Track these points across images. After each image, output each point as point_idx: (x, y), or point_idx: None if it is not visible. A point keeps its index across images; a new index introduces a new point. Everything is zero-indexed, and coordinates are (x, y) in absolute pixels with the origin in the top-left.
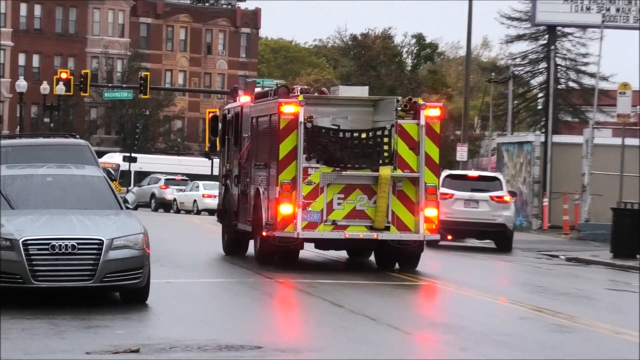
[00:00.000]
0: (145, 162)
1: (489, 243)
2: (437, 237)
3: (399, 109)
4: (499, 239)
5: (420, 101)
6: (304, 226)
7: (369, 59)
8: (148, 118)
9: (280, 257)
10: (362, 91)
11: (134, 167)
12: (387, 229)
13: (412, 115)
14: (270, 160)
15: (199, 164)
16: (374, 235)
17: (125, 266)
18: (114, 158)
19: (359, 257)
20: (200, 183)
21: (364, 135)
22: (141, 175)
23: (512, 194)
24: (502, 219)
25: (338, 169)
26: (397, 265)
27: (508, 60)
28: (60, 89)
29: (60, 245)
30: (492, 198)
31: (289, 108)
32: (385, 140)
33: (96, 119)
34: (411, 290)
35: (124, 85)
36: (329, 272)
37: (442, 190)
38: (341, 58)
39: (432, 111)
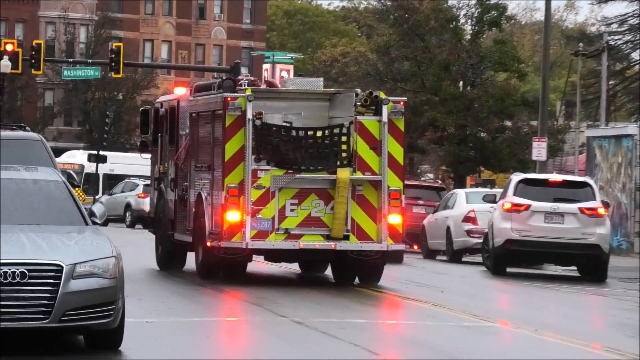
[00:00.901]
0: (118, 162)
1: (571, 270)
2: (401, 247)
3: (359, 103)
4: (589, 264)
5: (382, 95)
6: (253, 235)
7: (414, 25)
8: (121, 104)
9: (226, 270)
10: (316, 83)
11: (103, 168)
12: (346, 238)
13: (373, 110)
14: (214, 161)
15: None
16: (332, 245)
17: (92, 300)
18: (77, 157)
19: (313, 270)
20: None
21: (319, 134)
22: (112, 180)
23: (607, 205)
24: (595, 238)
25: (291, 171)
26: (356, 279)
27: (601, 26)
28: (4, 65)
29: (4, 273)
30: (581, 210)
31: (236, 104)
32: (344, 139)
33: (52, 105)
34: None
35: (90, 61)
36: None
37: (515, 200)
38: (377, 24)
39: (395, 106)
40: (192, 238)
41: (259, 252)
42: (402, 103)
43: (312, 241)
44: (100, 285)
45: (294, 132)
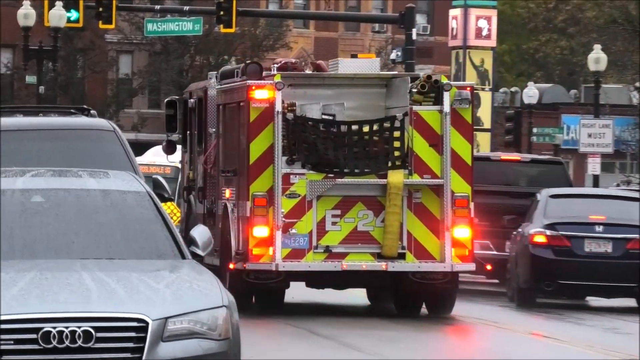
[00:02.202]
0: None
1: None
2: (470, 267)
3: (414, 90)
4: None
5: (444, 79)
6: (285, 255)
7: None
8: None
9: (258, 299)
10: (370, 65)
11: None
12: (402, 256)
13: (432, 99)
14: (240, 165)
15: None
16: (382, 265)
17: None
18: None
19: (382, 301)
20: None
21: (366, 129)
22: None
23: None
24: None
25: (331, 175)
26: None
27: None
28: (57, 16)
29: (59, 333)
30: None
31: (261, 93)
32: (396, 134)
33: (130, 77)
34: None
35: (187, 9)
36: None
37: None
38: None
39: (460, 92)
40: (219, 260)
41: (294, 275)
42: (468, 89)
43: (359, 261)
44: (205, 350)
45: (335, 128)
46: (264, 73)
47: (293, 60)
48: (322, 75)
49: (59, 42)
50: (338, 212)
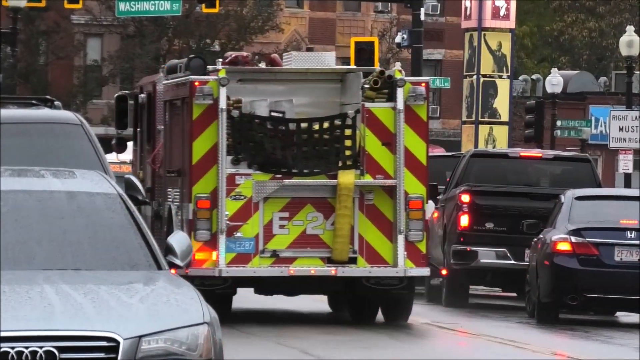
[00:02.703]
0: None
1: None
2: (424, 271)
3: (367, 86)
4: None
5: (398, 74)
6: (230, 260)
7: None
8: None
9: None
10: (325, 59)
11: None
12: (353, 261)
13: (385, 95)
14: (183, 165)
15: None
16: (332, 270)
17: None
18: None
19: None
20: None
21: (316, 127)
22: None
23: None
24: None
25: (279, 176)
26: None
27: None
28: None
29: (18, 354)
30: None
31: (205, 89)
32: (348, 132)
33: (100, 63)
34: None
35: None
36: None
37: None
38: None
39: (414, 88)
40: None
41: (240, 281)
42: (423, 84)
43: (307, 266)
44: None
45: (282, 126)
46: (211, 68)
47: (245, 54)
48: (273, 70)
49: (19, 23)
50: (286, 214)
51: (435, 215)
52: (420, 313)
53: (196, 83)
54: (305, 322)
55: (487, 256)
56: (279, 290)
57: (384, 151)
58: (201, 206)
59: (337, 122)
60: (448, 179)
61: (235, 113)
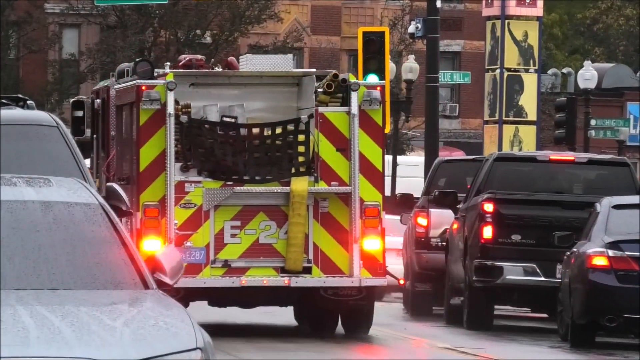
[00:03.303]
0: None
1: None
2: (381, 281)
3: (320, 90)
4: None
5: (352, 78)
6: None
7: None
8: (211, 54)
9: None
10: (281, 61)
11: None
12: (308, 271)
13: (339, 99)
14: (131, 172)
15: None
16: (285, 280)
17: None
18: None
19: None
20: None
21: (268, 132)
22: None
23: None
24: None
25: (230, 183)
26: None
27: None
28: None
29: None
30: None
31: (152, 94)
32: (301, 138)
33: (77, 57)
34: None
35: None
36: None
37: None
38: None
39: (369, 92)
40: None
41: (191, 292)
42: (378, 88)
43: (260, 276)
44: None
45: (233, 131)
46: (161, 72)
47: (199, 57)
48: (224, 74)
49: None
50: (238, 223)
51: (455, 226)
52: (439, 336)
53: (143, 87)
54: (264, 335)
55: (513, 272)
56: (232, 302)
57: (339, 157)
58: (149, 215)
59: (290, 127)
60: (469, 186)
61: (184, 118)
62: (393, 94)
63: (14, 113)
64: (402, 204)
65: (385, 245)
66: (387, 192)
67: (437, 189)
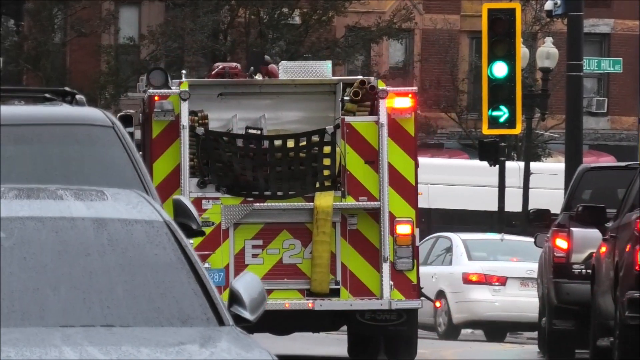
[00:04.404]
0: None
1: None
2: (415, 304)
3: (347, 98)
4: None
5: (381, 84)
6: None
7: None
8: (300, 34)
9: None
10: (317, 68)
11: None
12: (335, 293)
13: (368, 108)
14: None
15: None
16: (309, 303)
17: None
18: None
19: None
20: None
21: (291, 144)
22: None
23: None
24: None
25: (250, 199)
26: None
27: None
28: None
29: None
30: None
31: (164, 105)
32: (326, 150)
33: (138, 42)
34: None
35: None
36: None
37: None
38: None
39: (399, 100)
40: None
41: None
42: (410, 95)
43: (282, 299)
44: None
45: (253, 144)
46: (176, 81)
47: (234, 65)
48: (256, 82)
49: None
50: (259, 242)
51: (603, 249)
52: None
53: (155, 98)
54: None
55: None
56: (260, 328)
57: (368, 170)
58: None
59: (315, 138)
60: (621, 199)
61: (200, 130)
62: (525, 86)
63: (60, 110)
64: (536, 222)
65: (517, 274)
66: (519, 207)
67: (580, 203)
